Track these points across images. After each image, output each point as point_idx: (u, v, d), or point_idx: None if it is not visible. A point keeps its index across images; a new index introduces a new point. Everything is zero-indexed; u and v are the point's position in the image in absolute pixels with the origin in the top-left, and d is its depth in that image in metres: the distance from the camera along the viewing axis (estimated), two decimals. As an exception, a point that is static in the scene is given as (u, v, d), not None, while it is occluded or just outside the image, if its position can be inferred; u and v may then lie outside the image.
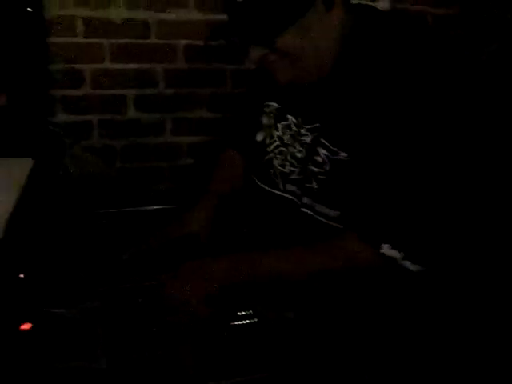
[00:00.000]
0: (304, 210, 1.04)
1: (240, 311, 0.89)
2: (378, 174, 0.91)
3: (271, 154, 1.14)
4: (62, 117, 1.82)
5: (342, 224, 0.97)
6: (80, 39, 1.80)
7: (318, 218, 1.01)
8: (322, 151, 1.00)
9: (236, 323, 0.87)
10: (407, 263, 0.88)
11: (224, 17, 0.96)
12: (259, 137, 1.19)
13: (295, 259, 0.95)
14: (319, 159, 1.01)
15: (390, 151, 0.90)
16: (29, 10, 1.61)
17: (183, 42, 1.91)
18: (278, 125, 1.13)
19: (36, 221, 1.12)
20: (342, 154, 0.97)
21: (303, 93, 1.06)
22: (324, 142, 1.00)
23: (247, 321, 0.88)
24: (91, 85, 1.85)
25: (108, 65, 1.85)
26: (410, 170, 0.89)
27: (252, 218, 1.22)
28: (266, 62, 0.98)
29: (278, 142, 1.13)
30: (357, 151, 0.95)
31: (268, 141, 1.16)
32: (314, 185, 1.02)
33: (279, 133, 1.13)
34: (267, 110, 1.17)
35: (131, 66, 1.88)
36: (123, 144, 1.93)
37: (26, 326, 0.80)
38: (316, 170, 1.02)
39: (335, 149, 0.98)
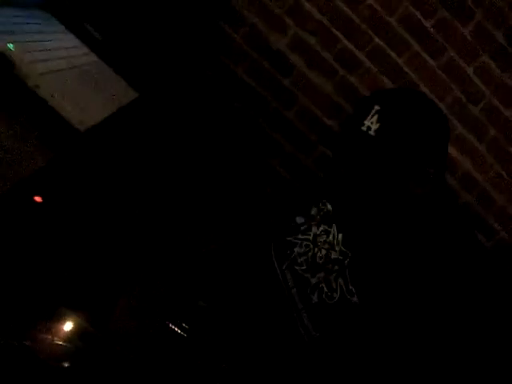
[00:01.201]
0: (292, 307, 1.09)
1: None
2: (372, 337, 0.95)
3: (298, 240, 1.17)
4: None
5: (316, 345, 1.02)
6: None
7: (299, 327, 1.05)
8: (339, 280, 1.04)
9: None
10: None
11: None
12: (299, 220, 1.22)
13: None
14: (333, 285, 1.05)
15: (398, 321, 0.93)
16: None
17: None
18: (321, 225, 1.16)
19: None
20: (354, 299, 1.00)
21: (357, 220, 1.11)
22: (347, 275, 1.04)
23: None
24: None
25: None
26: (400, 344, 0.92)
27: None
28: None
29: (310, 237, 1.16)
30: (368, 304, 0.99)
31: (303, 228, 1.19)
32: (315, 298, 1.06)
33: (317, 231, 1.16)
34: (321, 205, 1.20)
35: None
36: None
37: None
38: (325, 289, 1.06)
39: (351, 288, 1.02)
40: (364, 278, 1.02)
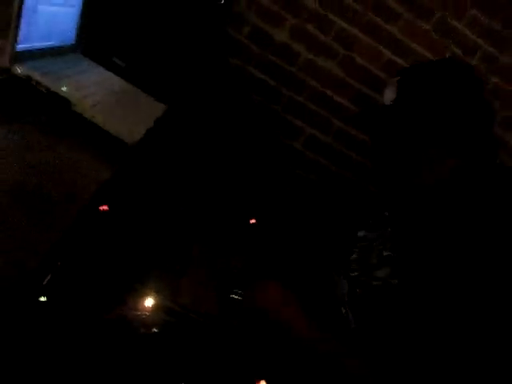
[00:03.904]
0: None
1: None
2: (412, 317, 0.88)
3: (356, 249, 1.19)
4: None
5: (354, 338, 1.00)
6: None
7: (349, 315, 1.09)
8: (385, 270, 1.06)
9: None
10: None
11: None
12: (360, 234, 1.22)
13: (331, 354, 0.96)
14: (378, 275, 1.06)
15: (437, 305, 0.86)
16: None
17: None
18: (378, 230, 1.17)
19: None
20: (395, 281, 1.01)
21: (404, 213, 1.10)
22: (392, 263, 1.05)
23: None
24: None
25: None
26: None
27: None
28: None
29: (365, 243, 1.17)
30: (408, 286, 0.95)
31: (361, 238, 1.20)
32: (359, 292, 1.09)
33: (373, 236, 1.16)
34: (379, 215, 1.20)
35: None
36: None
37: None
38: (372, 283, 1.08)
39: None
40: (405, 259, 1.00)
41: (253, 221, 1.58)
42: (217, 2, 1.79)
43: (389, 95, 1.02)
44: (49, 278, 0.78)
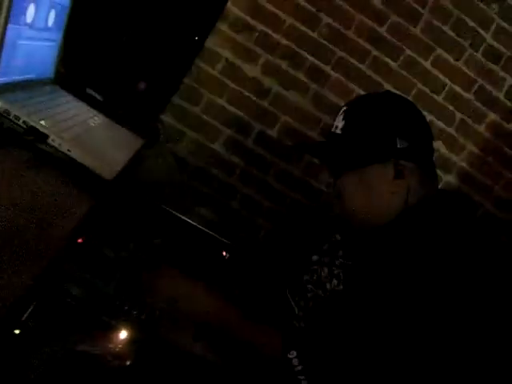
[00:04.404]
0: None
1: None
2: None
3: (308, 272, 1.23)
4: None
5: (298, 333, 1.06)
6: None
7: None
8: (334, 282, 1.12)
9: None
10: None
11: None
12: (314, 258, 1.26)
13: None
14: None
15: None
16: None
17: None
18: (330, 253, 1.20)
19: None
20: (340, 287, 1.08)
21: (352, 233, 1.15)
22: (340, 275, 1.11)
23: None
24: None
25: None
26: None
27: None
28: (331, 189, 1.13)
29: (316, 265, 1.21)
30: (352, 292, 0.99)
31: (315, 262, 1.24)
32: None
33: (325, 260, 1.20)
34: (332, 239, 1.24)
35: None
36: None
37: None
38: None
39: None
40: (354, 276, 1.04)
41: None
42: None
43: (338, 124, 1.07)
44: (28, 312, 0.78)
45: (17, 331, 0.82)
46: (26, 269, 0.72)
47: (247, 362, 1.06)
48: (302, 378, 0.90)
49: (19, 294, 0.67)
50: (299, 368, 0.91)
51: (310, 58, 2.03)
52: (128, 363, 1.03)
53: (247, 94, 2.04)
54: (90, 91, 1.53)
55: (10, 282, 0.67)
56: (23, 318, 0.80)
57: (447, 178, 2.19)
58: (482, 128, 2.15)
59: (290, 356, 0.92)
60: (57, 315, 0.95)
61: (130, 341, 1.06)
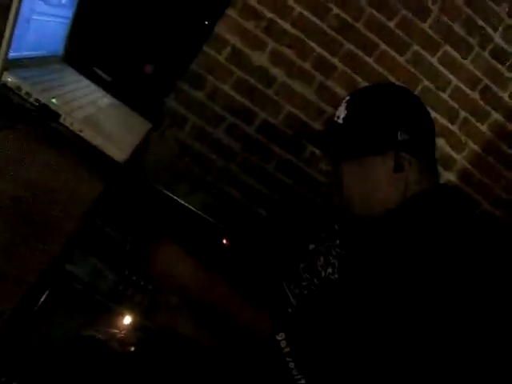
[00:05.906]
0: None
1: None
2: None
3: (304, 260, 1.23)
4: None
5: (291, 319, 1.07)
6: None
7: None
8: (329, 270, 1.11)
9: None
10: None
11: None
12: (311, 247, 1.26)
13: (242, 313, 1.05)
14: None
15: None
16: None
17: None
18: (326, 242, 1.19)
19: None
20: (335, 275, 1.06)
21: (349, 224, 1.15)
22: (336, 265, 1.09)
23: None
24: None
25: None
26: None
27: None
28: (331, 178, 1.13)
29: (313, 253, 1.21)
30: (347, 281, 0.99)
31: (311, 251, 1.24)
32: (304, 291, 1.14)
33: (322, 249, 1.19)
34: (330, 228, 1.22)
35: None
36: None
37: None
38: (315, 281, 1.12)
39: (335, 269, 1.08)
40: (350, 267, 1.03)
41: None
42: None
43: (340, 113, 1.08)
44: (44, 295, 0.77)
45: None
46: (38, 252, 0.71)
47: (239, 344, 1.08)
48: (290, 359, 0.91)
49: (34, 280, 0.66)
50: (287, 350, 0.92)
51: (318, 49, 2.01)
52: (132, 349, 1.03)
53: (253, 81, 2.02)
54: (97, 71, 1.51)
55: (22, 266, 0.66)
56: (39, 303, 0.79)
57: (447, 176, 2.20)
58: (484, 127, 2.16)
59: (279, 338, 0.93)
60: (64, 299, 0.95)
61: (134, 327, 1.06)
